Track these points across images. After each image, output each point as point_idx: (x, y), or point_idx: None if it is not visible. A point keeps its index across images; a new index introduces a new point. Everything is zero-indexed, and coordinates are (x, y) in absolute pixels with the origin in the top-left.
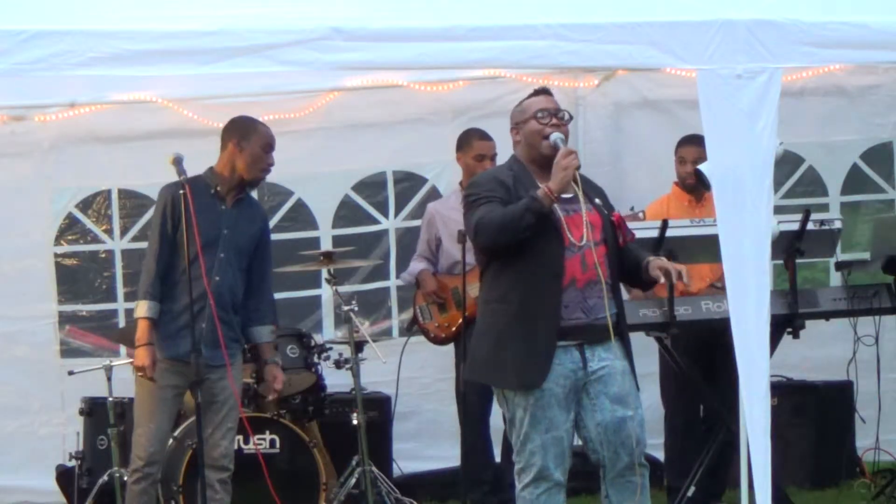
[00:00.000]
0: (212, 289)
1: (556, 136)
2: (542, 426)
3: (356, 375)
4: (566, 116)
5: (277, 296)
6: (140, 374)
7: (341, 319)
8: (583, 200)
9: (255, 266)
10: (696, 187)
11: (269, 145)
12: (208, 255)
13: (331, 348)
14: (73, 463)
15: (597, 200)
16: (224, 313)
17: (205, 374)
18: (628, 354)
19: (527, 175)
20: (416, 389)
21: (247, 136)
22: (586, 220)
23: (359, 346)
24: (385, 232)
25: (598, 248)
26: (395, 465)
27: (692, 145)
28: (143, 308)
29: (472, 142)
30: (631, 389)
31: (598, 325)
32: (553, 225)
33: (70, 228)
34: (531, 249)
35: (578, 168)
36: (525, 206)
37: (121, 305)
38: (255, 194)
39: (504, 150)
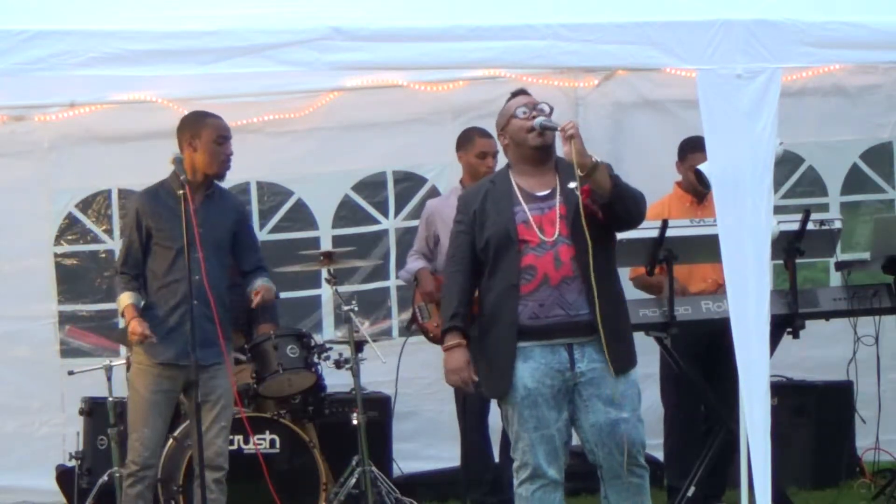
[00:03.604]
0: (195, 288)
1: (538, 120)
2: (531, 424)
3: (356, 375)
4: (546, 108)
5: None
6: (140, 340)
7: (341, 319)
8: (558, 193)
9: (237, 253)
10: (699, 189)
11: (221, 136)
12: (186, 257)
13: (331, 348)
14: (73, 463)
15: (570, 185)
16: (210, 311)
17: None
18: (624, 350)
19: (505, 185)
20: (416, 389)
21: (197, 133)
22: (559, 214)
23: (359, 346)
24: (385, 232)
25: (572, 244)
26: (395, 465)
27: (703, 152)
28: (125, 298)
29: (474, 139)
30: (625, 390)
31: (578, 322)
32: (509, 236)
33: (70, 228)
34: (492, 263)
35: None
36: (443, 328)
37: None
38: (254, 192)
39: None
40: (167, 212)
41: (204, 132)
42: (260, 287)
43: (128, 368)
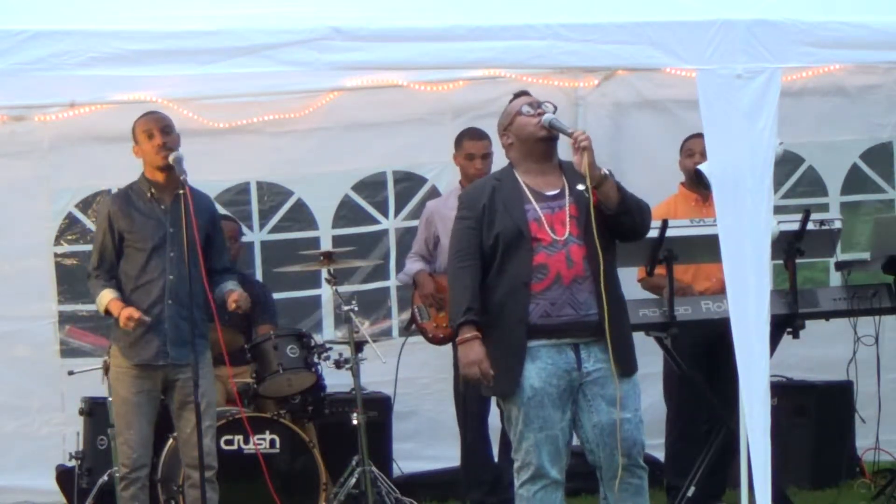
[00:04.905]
0: (168, 288)
1: (547, 116)
2: (536, 425)
3: (356, 375)
4: (550, 107)
5: (277, 296)
6: (133, 323)
7: (341, 319)
8: (567, 194)
9: (208, 253)
10: (699, 184)
11: (148, 131)
12: (159, 257)
13: (331, 348)
14: (73, 463)
15: (579, 187)
16: (185, 311)
17: (174, 374)
18: (626, 353)
19: (512, 183)
20: (416, 389)
21: (133, 134)
22: (569, 214)
23: (359, 346)
24: (385, 232)
25: (583, 245)
26: (395, 465)
27: (699, 137)
28: (107, 294)
29: (462, 142)
30: (628, 391)
31: (587, 322)
32: (522, 234)
33: (70, 228)
34: (500, 261)
35: None
36: (457, 321)
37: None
38: (254, 192)
39: (501, 150)
40: (138, 213)
41: (136, 133)
42: (238, 295)
43: (105, 372)
